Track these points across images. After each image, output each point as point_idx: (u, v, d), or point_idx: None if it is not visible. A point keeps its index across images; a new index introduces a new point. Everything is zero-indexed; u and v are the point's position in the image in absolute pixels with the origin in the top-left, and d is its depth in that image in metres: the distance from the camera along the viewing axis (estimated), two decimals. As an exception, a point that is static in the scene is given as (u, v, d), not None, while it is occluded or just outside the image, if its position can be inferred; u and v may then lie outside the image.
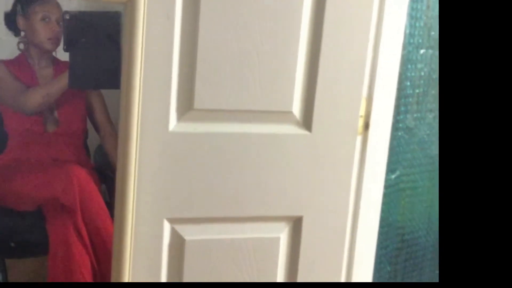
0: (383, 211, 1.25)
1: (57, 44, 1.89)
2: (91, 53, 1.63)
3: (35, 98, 1.78)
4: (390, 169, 1.24)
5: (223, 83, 1.03)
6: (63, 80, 1.75)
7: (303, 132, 1.10)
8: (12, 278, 1.89)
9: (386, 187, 1.24)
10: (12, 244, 1.72)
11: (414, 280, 1.47)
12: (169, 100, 1.02)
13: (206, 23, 1.00)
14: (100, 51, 1.63)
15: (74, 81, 1.66)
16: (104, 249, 1.68)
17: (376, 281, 1.32)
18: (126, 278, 1.06)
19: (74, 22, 1.64)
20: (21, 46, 1.92)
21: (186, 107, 1.03)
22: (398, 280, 1.42)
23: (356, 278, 1.22)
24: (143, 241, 1.06)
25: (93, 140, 2.13)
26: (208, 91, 1.03)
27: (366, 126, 1.15)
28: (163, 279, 1.10)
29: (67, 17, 1.64)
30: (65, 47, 1.67)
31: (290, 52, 1.06)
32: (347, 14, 1.06)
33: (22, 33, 1.89)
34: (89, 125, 2.04)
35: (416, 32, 1.20)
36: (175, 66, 1.01)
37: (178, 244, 1.09)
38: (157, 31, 0.98)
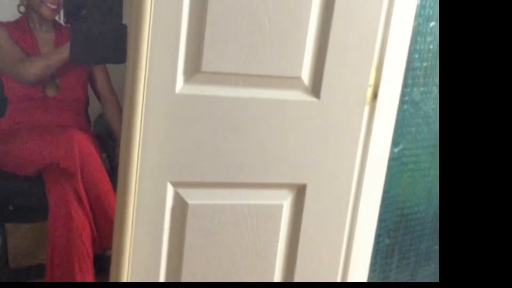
0: (384, 184, 1.25)
1: (55, 13, 1.86)
2: (92, 26, 1.59)
3: (34, 69, 1.75)
4: (393, 143, 1.24)
5: (232, 46, 1.02)
6: (64, 53, 1.72)
7: (311, 99, 1.10)
8: (11, 245, 1.89)
9: (389, 160, 1.24)
10: (11, 208, 1.72)
11: (411, 255, 1.48)
12: (176, 62, 1.01)
13: (217, -16, 0.99)
14: (101, 24, 1.59)
15: (75, 56, 1.62)
16: (104, 216, 1.67)
17: (374, 253, 1.33)
18: (128, 241, 1.06)
19: None
20: (22, 9, 1.89)
21: (194, 69, 1.02)
22: (396, 253, 1.43)
23: (356, 249, 1.23)
24: (146, 204, 1.06)
25: (93, 109, 2.12)
26: (216, 53, 1.02)
27: (375, 95, 1.14)
28: (165, 243, 1.10)
29: None
30: (65, 19, 1.63)
31: (301, 17, 1.04)
32: (360, -19, 1.05)
33: None
34: (90, 94, 2.03)
35: (427, 4, 1.18)
36: (183, 27, 1.00)
37: (181, 208, 1.08)
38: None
